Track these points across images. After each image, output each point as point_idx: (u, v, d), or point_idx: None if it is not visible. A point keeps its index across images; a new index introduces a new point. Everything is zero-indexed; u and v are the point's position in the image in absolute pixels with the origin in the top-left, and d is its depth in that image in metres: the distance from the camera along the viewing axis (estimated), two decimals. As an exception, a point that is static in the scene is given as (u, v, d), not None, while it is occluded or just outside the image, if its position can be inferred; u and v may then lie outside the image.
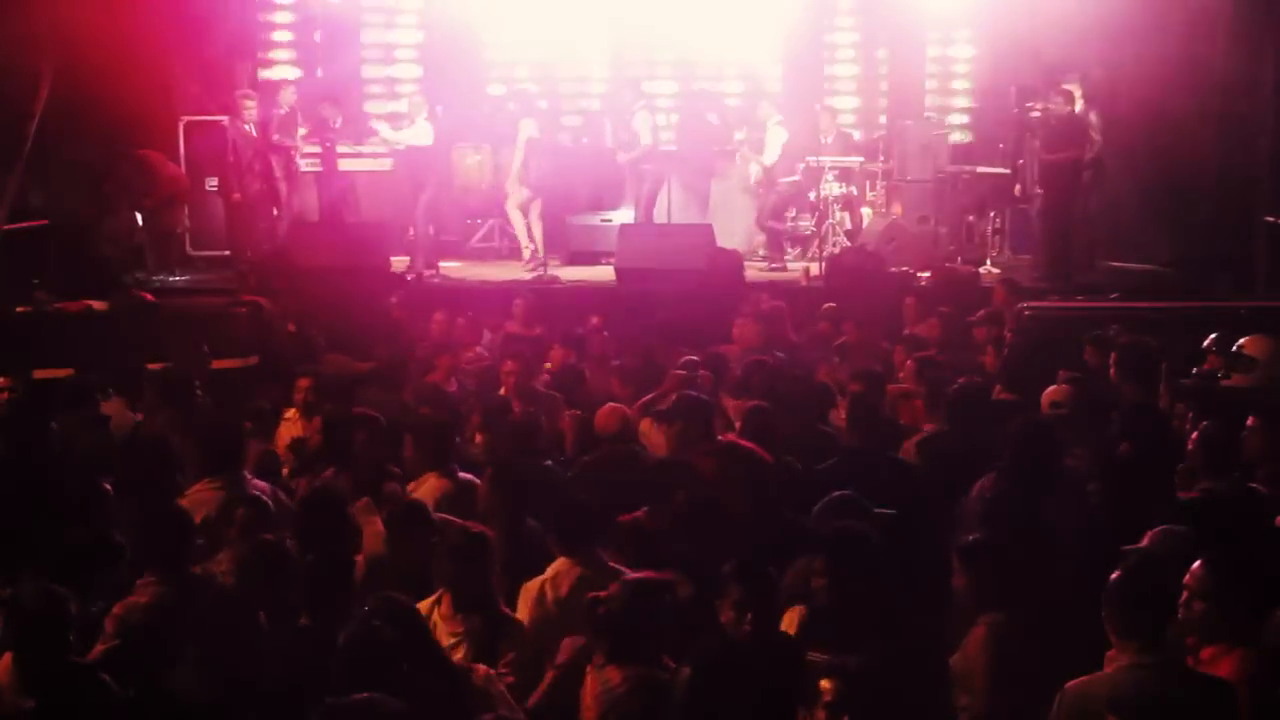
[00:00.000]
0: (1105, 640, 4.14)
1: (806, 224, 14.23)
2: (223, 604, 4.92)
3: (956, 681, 4.56)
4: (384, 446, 6.51)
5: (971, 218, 14.00)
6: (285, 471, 6.90)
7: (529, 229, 13.49)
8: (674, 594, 4.68)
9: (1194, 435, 5.99)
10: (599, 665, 4.48)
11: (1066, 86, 12.96)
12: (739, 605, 4.62)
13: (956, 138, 14.76)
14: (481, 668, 4.60)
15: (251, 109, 13.12)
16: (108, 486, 5.91)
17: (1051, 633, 4.47)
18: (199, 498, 6.00)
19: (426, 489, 6.21)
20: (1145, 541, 4.92)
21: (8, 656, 4.58)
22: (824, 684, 4.07)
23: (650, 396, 7.44)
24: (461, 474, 6.35)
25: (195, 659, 4.50)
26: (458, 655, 4.80)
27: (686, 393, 7.03)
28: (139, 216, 13.04)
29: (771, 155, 13.78)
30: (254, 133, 13.11)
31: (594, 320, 10.20)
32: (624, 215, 14.08)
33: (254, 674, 4.38)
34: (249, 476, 6.24)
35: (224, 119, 13.40)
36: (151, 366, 8.56)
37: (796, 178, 13.72)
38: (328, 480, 6.32)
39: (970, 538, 4.90)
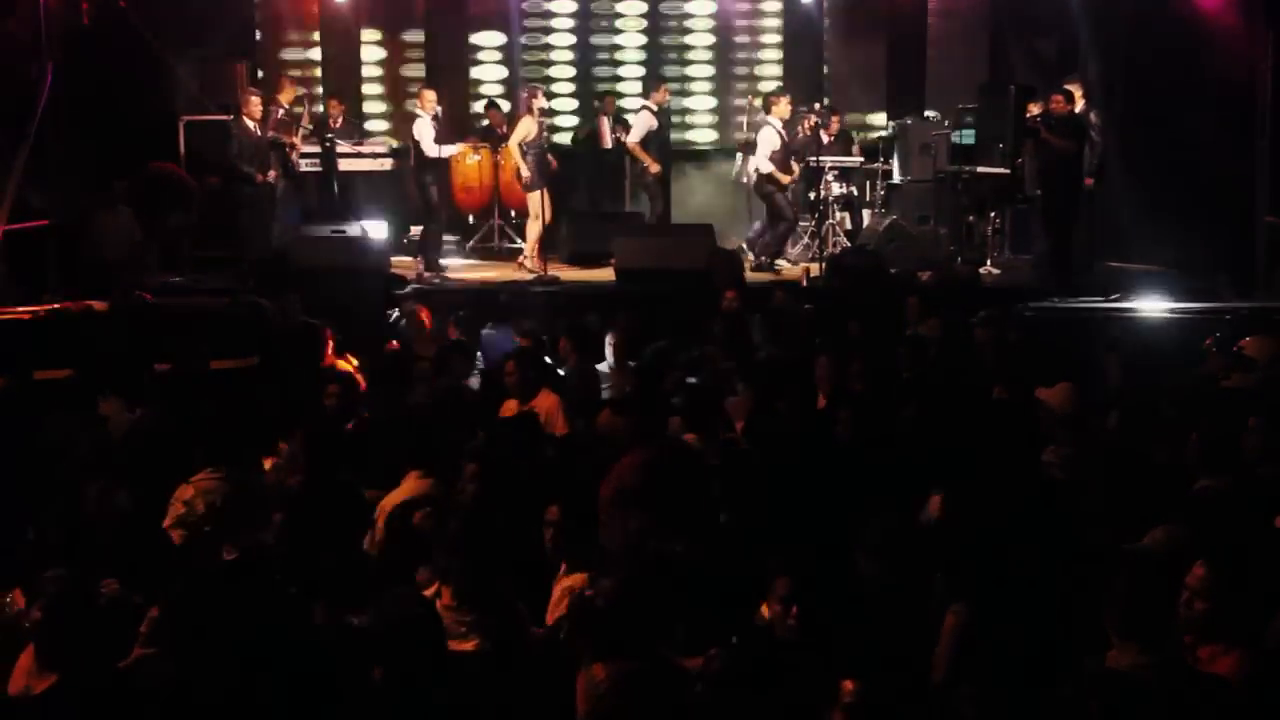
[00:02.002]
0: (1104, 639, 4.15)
1: (806, 224, 14.26)
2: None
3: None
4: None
5: (971, 218, 14.00)
6: None
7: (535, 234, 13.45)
8: (652, 589, 4.67)
9: (1194, 435, 5.99)
10: (586, 663, 4.44)
11: (1067, 86, 12.96)
12: (785, 600, 4.59)
13: (956, 138, 14.73)
14: None
15: (256, 105, 13.13)
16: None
17: (1018, 628, 4.43)
18: (202, 485, 6.07)
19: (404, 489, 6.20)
20: (1145, 541, 4.93)
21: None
22: (846, 685, 4.02)
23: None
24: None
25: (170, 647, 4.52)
26: (465, 645, 4.85)
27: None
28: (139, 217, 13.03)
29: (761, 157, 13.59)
30: (258, 131, 13.12)
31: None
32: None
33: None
34: None
35: (228, 118, 13.38)
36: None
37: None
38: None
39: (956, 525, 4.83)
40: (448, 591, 5.04)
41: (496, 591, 5.03)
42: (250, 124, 13.09)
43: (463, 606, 4.98)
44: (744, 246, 13.67)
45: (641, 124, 13.76)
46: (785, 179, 13.38)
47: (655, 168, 13.66)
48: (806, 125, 13.95)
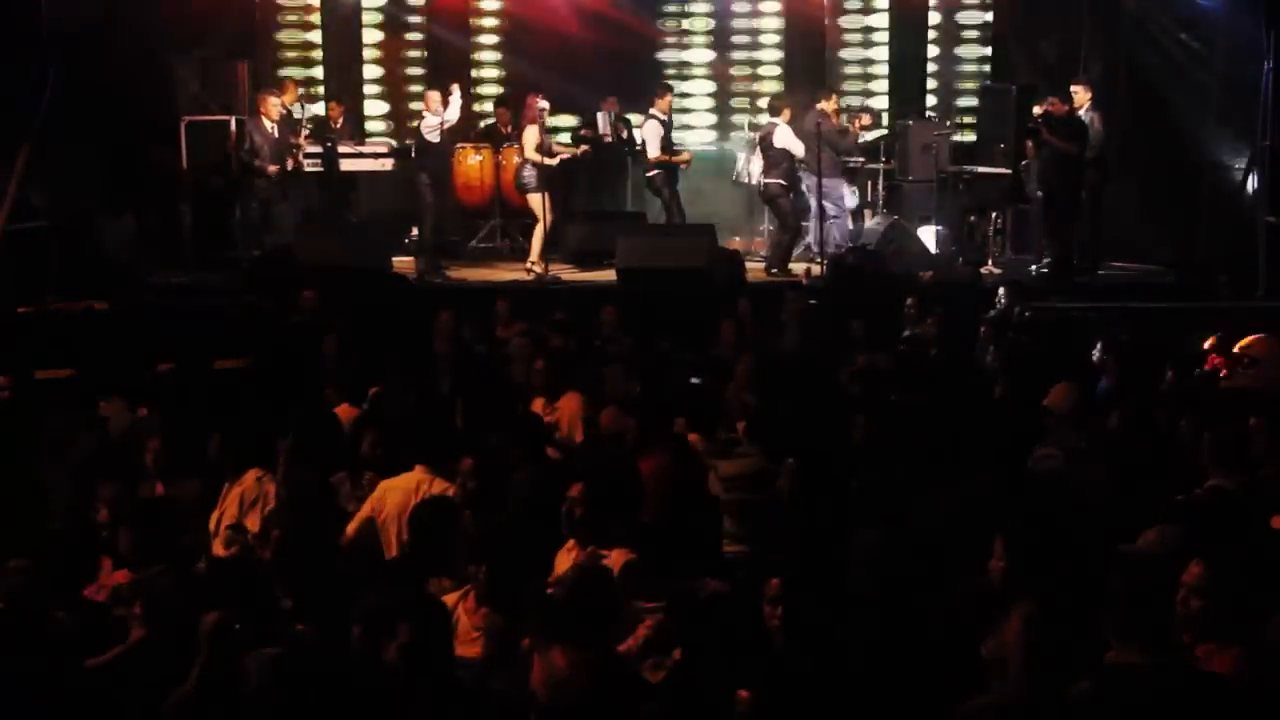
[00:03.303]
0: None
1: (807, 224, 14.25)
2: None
3: (989, 668, 4.50)
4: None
5: (972, 218, 14.00)
6: None
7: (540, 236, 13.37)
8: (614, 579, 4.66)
9: (1195, 436, 5.99)
10: (542, 648, 4.43)
11: (1074, 86, 12.96)
12: (773, 600, 4.54)
13: (957, 138, 14.75)
14: None
15: (275, 105, 13.15)
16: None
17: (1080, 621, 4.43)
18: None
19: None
20: (1144, 542, 4.92)
21: None
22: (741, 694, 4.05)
23: None
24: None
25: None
26: (476, 650, 4.81)
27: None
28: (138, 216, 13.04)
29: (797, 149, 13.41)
30: (275, 132, 13.14)
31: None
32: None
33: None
34: None
35: (234, 118, 13.34)
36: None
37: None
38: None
39: (1019, 524, 4.76)
40: (473, 596, 5.03)
41: (520, 594, 5.00)
42: (268, 124, 13.10)
43: (482, 609, 4.96)
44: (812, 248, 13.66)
45: (653, 133, 13.77)
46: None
47: (687, 155, 14.10)
48: (857, 125, 13.96)
